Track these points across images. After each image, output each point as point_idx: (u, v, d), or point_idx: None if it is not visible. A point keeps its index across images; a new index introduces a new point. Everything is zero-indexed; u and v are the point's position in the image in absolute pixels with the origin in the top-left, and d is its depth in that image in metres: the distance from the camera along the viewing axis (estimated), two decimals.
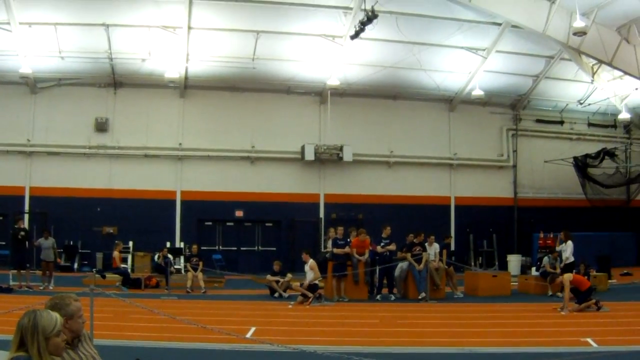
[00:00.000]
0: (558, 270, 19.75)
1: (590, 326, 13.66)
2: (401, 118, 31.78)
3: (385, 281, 19.86)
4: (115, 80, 29.11)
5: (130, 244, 27.44)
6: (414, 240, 19.63)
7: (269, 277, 20.04)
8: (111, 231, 28.33)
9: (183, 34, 26.03)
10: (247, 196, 30.10)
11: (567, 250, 19.80)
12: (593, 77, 30.07)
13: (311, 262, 18.49)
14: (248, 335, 11.92)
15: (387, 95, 31.52)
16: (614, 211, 32.70)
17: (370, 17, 23.07)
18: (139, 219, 28.44)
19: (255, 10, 25.82)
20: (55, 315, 4.33)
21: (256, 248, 30.80)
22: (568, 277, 16.29)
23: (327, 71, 28.91)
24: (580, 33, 23.96)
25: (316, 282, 18.20)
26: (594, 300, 15.98)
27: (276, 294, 19.49)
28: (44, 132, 28.72)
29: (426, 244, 19.71)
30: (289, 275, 19.76)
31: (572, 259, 19.69)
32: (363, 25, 23.58)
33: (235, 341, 10.66)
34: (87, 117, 29.09)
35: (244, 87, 30.12)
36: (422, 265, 18.92)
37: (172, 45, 26.74)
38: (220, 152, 30.05)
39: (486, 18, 26.45)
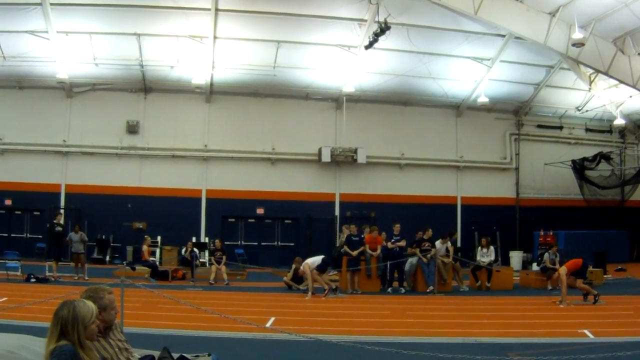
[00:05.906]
0: (557, 266, 19.70)
1: (587, 318, 13.61)
2: (411, 123, 31.64)
3: (395, 275, 19.85)
4: (145, 86, 29.20)
5: (159, 238, 27.55)
6: (423, 237, 19.60)
7: (285, 279, 20.01)
8: (140, 226, 28.36)
9: (209, 43, 26.10)
10: (268, 195, 30.08)
11: (492, 254, 20.83)
12: (590, 85, 29.86)
13: (301, 268, 18.41)
14: (268, 324, 11.92)
15: (399, 101, 31.37)
16: (609, 211, 32.46)
17: (383, 29, 23.07)
18: (167, 215, 28.49)
19: (276, 22, 25.79)
20: (91, 305, 4.33)
21: (276, 243, 30.77)
22: (563, 270, 16.13)
23: (342, 79, 28.87)
24: (579, 44, 23.82)
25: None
26: (595, 292, 15.89)
27: (293, 287, 19.48)
28: (79, 134, 28.83)
29: (437, 242, 19.71)
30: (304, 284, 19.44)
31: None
32: (376, 36, 23.61)
33: (256, 330, 10.61)
34: (119, 120, 29.20)
35: (265, 93, 30.11)
36: (429, 257, 19.03)
37: (198, 54, 26.79)
38: (243, 153, 30.03)
39: (491, 30, 26.29)
